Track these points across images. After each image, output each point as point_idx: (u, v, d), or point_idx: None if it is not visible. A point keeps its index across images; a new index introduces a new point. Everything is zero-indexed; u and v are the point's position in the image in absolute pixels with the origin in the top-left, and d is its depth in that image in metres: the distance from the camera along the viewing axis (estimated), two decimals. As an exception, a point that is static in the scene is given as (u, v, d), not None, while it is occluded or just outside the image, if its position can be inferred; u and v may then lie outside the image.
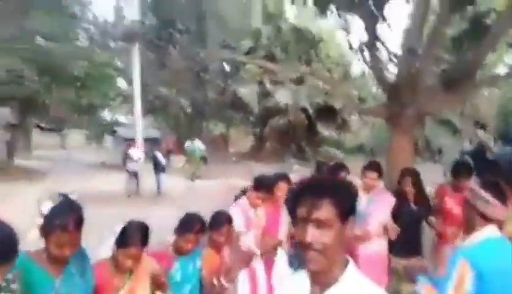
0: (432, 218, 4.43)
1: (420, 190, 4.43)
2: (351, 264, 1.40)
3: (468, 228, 2.29)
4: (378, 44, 7.38)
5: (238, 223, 3.53)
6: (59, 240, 2.15)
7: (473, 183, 2.84)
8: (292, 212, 1.40)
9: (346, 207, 1.37)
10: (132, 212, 2.73)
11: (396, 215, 4.22)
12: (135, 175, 14.09)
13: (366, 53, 7.34)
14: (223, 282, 3.06)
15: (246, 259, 3.59)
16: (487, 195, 2.20)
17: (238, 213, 3.62)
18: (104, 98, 19.57)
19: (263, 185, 3.75)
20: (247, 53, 13.95)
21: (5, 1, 11.80)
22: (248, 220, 3.69)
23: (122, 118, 41.69)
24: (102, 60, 15.45)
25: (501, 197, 2.21)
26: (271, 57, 10.70)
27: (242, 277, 3.61)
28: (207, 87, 18.82)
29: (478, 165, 5.48)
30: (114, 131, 30.38)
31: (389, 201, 4.21)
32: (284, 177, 4.10)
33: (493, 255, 2.14)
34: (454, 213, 4.25)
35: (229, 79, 14.44)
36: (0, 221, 2.00)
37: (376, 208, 4.09)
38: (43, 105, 16.09)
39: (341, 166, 4.80)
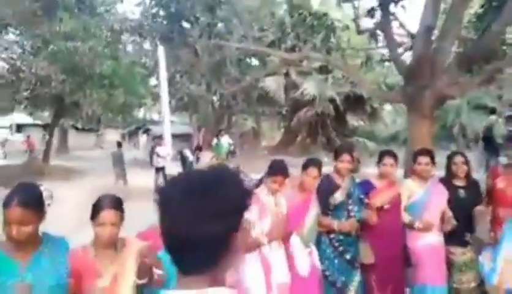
0: (481, 208, 4.21)
1: (469, 172, 4.25)
2: None
3: None
4: (394, 25, 7.07)
5: (251, 211, 3.45)
6: (4, 217, 2.15)
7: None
8: None
9: None
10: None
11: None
12: (162, 171, 14.29)
13: (381, 35, 7.06)
14: None
15: (253, 246, 3.51)
16: None
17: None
18: (135, 96, 19.89)
19: (275, 169, 3.67)
20: (270, 45, 13.78)
21: (32, 5, 12.20)
22: (263, 208, 3.61)
23: (155, 116, 42.66)
24: (128, 58, 15.70)
25: None
26: (295, 49, 10.51)
27: (253, 261, 3.54)
28: (231, 82, 18.80)
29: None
30: (148, 130, 31.07)
31: (444, 192, 4.07)
32: (314, 162, 3.96)
33: None
34: (507, 194, 4.19)
35: (254, 72, 14.29)
36: None
37: (434, 199, 4.02)
38: (75, 105, 16.54)
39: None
